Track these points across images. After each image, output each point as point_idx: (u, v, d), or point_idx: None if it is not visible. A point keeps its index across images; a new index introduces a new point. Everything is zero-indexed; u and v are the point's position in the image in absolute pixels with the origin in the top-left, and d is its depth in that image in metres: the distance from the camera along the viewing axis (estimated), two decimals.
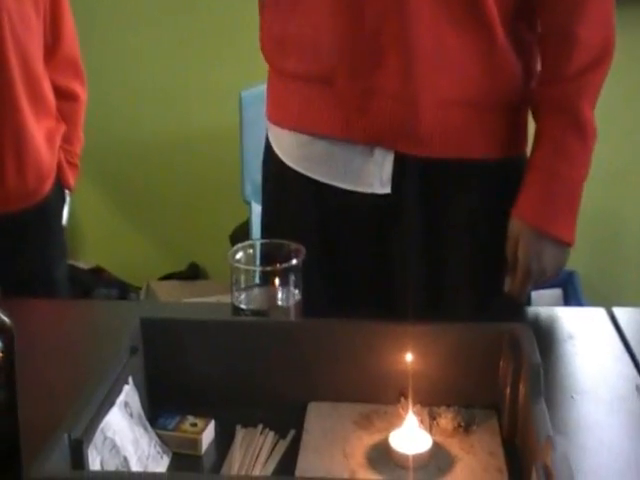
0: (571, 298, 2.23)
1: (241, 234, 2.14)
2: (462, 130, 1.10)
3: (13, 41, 1.29)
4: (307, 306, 0.98)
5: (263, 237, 1.19)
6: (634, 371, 0.98)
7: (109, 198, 2.54)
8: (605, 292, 1.05)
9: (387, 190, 1.11)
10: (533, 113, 1.14)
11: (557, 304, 2.13)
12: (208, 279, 2.49)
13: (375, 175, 1.11)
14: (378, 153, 1.11)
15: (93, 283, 2.40)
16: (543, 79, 1.11)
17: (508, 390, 0.85)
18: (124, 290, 2.42)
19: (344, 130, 1.10)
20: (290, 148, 1.17)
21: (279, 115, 1.18)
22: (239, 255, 0.99)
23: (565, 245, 1.11)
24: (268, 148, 1.22)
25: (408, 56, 1.05)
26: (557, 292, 2.19)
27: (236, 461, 0.82)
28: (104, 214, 2.52)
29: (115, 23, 2.39)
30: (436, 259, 1.13)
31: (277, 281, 0.98)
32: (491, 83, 1.09)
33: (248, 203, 2.07)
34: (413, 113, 1.07)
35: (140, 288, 2.43)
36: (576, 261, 2.32)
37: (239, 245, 1.00)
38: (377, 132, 1.09)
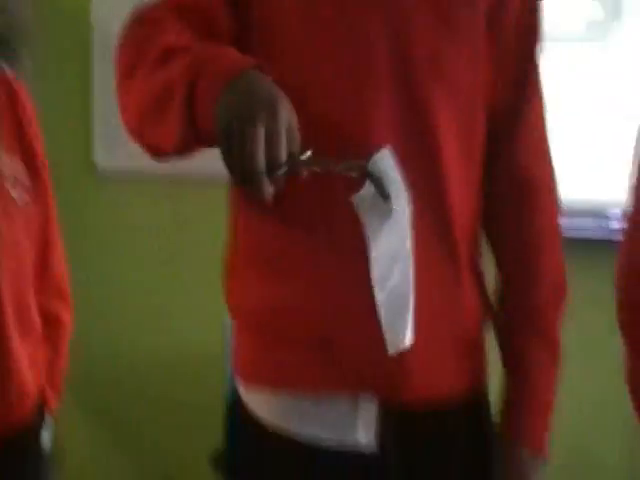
0: None
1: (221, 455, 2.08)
2: (444, 369, 1.11)
3: (4, 267, 1.32)
4: None
5: None
6: None
7: (89, 421, 2.51)
8: None
9: (372, 447, 1.08)
10: (503, 337, 1.19)
11: None
12: None
13: (359, 431, 1.08)
14: (363, 405, 1.07)
15: None
16: (513, 303, 1.18)
17: None
18: None
19: (326, 383, 1.07)
20: (272, 409, 1.10)
21: (257, 374, 1.12)
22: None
23: (540, 457, 1.16)
24: (241, 408, 1.14)
25: None
26: None
27: None
28: (83, 437, 2.48)
29: (101, 249, 2.44)
30: None
31: None
32: (460, 318, 1.13)
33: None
34: (402, 356, 1.05)
35: None
36: None
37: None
38: (367, 382, 1.07)
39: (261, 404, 1.12)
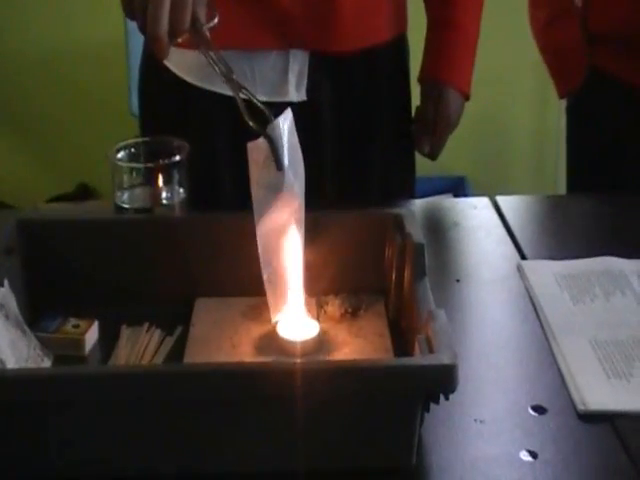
0: None
1: None
2: (371, 16, 1.12)
3: None
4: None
5: None
6: (515, 253, 1.01)
7: None
8: (493, 195, 1.16)
9: (303, 97, 1.10)
10: None
11: None
12: (99, 199, 2.41)
13: (291, 82, 1.10)
14: (294, 58, 1.09)
15: None
16: None
17: (394, 273, 0.86)
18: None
19: (257, 38, 1.07)
20: (191, 65, 1.10)
21: None
22: (121, 154, 0.96)
23: (463, 96, 1.20)
24: (156, 66, 1.13)
25: None
26: (448, 197, 2.24)
27: (121, 358, 0.82)
28: None
29: None
30: (351, 151, 1.16)
31: (161, 179, 0.95)
32: None
33: (136, 117, 1.97)
34: (331, 6, 1.06)
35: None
36: (465, 166, 2.39)
37: (121, 143, 0.96)
38: (293, 34, 1.07)
39: (186, 65, 1.12)
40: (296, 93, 1.11)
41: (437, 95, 1.19)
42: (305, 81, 1.11)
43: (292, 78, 1.11)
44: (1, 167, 2.45)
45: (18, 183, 2.44)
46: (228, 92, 1.09)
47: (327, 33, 1.09)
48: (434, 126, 1.20)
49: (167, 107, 1.17)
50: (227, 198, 1.15)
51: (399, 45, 1.19)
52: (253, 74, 1.10)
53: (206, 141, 1.13)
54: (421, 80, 1.21)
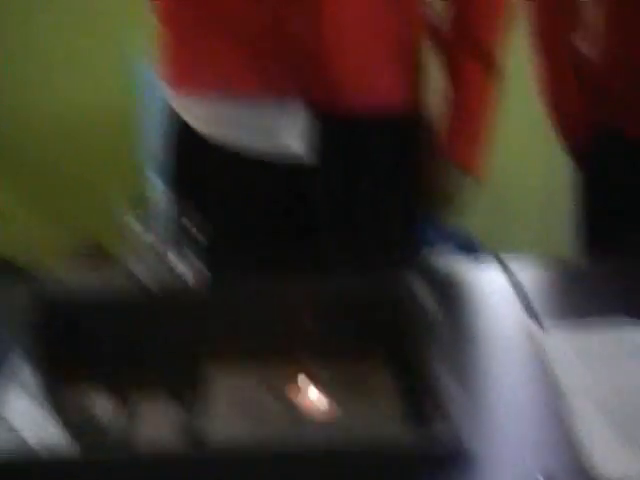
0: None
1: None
2: (377, 79, 1.13)
3: None
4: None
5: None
6: (527, 316, 1.02)
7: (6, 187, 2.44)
8: (500, 250, 1.17)
9: (303, 153, 1.12)
10: (441, 52, 1.19)
11: None
12: (111, 258, 2.41)
13: (290, 134, 1.11)
14: (291, 111, 1.10)
15: None
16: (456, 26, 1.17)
17: (403, 337, 0.86)
18: (21, 276, 2.32)
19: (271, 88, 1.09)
20: (214, 118, 1.14)
21: (187, 80, 1.15)
22: (137, 223, 0.97)
23: (475, 178, 1.21)
24: (177, 120, 1.18)
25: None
26: (454, 249, 2.23)
27: (141, 435, 0.82)
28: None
29: None
30: (356, 214, 1.17)
31: (176, 250, 0.96)
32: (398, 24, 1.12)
33: (147, 178, 2.01)
34: (329, 57, 1.08)
35: None
36: (470, 220, 2.37)
37: (137, 211, 0.97)
38: (297, 89, 1.09)
39: (199, 114, 1.15)
40: (296, 148, 1.12)
41: (445, 169, 1.20)
42: (304, 136, 1.12)
43: (290, 130, 1.12)
44: (11, 225, 2.46)
45: (27, 242, 2.44)
46: (238, 145, 1.11)
47: (325, 88, 1.10)
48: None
49: (199, 170, 1.19)
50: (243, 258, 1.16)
51: (412, 117, 1.18)
52: (249, 124, 1.13)
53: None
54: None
